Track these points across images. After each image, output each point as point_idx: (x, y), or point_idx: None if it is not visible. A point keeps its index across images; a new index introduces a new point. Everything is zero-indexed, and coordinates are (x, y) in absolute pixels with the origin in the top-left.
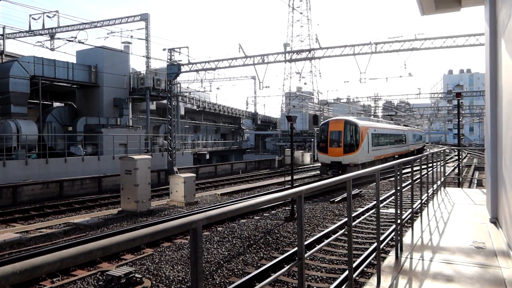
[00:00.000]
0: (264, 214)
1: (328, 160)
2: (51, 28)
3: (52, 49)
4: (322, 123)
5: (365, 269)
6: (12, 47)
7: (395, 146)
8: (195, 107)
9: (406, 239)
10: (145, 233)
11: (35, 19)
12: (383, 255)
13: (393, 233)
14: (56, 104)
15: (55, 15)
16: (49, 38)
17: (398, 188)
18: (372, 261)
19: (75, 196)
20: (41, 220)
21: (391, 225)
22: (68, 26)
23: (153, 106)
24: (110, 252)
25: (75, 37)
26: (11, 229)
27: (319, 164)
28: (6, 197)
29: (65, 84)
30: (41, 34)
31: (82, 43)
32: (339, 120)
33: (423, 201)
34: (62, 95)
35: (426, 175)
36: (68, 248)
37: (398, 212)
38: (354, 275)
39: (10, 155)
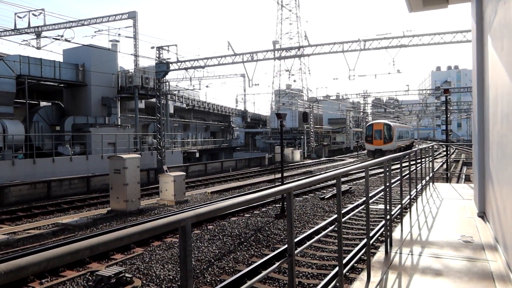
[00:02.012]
0: (255, 212)
1: (373, 148)
2: (37, 27)
3: (38, 48)
4: (367, 124)
5: (355, 264)
6: None
7: (405, 139)
8: (184, 106)
9: (396, 234)
10: (133, 231)
11: (20, 17)
12: (373, 250)
13: (382, 229)
14: (43, 103)
15: (41, 13)
16: (35, 37)
17: (388, 184)
18: (362, 256)
19: (63, 196)
20: (29, 221)
21: (381, 221)
22: (54, 24)
23: (141, 105)
24: (98, 251)
25: (62, 36)
26: None
27: (311, 161)
28: None
29: (52, 83)
30: (27, 33)
31: (69, 41)
32: (380, 122)
33: (412, 197)
34: (49, 95)
35: (415, 171)
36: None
37: (388, 207)
38: (344, 271)
39: None
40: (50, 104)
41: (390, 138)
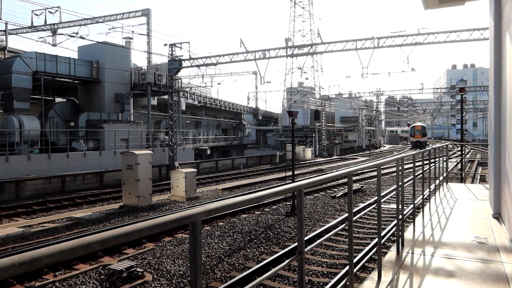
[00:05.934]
0: (265, 209)
1: (415, 140)
2: (53, 24)
3: (54, 45)
4: (411, 126)
5: (366, 264)
6: (15, 42)
7: (427, 136)
8: (196, 103)
9: (408, 234)
10: (143, 226)
11: (37, 15)
12: (384, 250)
13: (394, 228)
14: (58, 99)
15: (57, 10)
16: (51, 34)
17: (400, 183)
18: (373, 256)
19: (77, 191)
20: (43, 215)
21: (393, 221)
22: (70, 21)
23: (154, 102)
24: (109, 245)
25: (77, 33)
26: (14, 223)
27: (322, 159)
28: (9, 192)
29: (67, 80)
30: (43, 30)
31: (84, 38)
32: (419, 124)
33: (425, 197)
34: (64, 91)
35: (428, 170)
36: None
37: (400, 207)
38: (354, 270)
39: (12, 150)
40: (65, 100)
41: (425, 134)
